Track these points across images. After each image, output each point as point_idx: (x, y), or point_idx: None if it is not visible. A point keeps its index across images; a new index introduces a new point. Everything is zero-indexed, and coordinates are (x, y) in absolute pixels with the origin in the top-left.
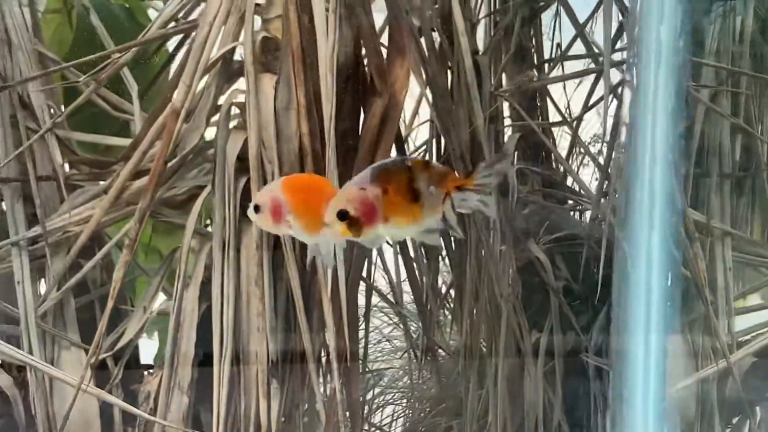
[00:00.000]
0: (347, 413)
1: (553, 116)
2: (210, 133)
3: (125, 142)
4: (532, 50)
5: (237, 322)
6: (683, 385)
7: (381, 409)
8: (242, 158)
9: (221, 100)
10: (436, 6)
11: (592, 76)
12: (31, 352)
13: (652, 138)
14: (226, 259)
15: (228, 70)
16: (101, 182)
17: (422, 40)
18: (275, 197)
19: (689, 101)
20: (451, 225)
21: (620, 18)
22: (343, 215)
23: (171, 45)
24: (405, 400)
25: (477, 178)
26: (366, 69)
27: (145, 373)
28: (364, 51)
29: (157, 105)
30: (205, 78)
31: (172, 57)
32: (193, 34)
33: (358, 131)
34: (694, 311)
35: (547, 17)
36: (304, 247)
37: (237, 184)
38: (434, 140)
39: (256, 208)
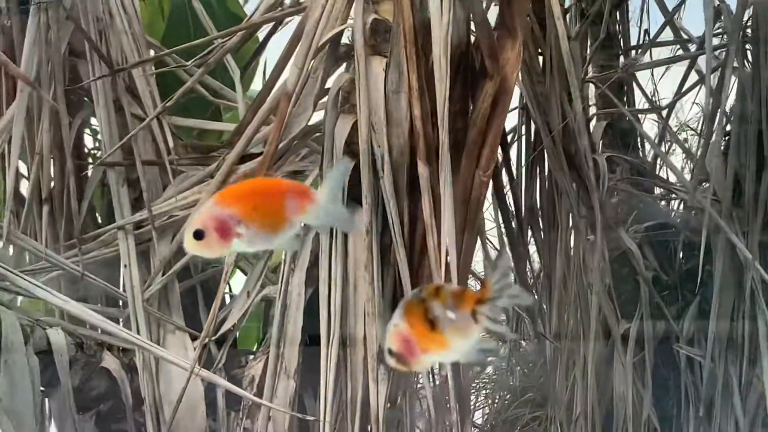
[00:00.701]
0: (456, 400)
1: (639, 104)
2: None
3: (226, 126)
4: (620, 37)
5: (344, 307)
6: None
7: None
8: (350, 142)
9: (329, 84)
10: None
11: (680, 63)
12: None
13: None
14: (334, 242)
15: (336, 53)
16: (202, 167)
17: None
18: (218, 215)
19: None
20: (499, 332)
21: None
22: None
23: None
24: (485, 391)
25: (493, 284)
26: (476, 51)
27: (251, 357)
28: (475, 32)
29: (262, 90)
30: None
31: (263, 44)
32: (298, 19)
33: (467, 115)
34: None
35: (633, 4)
36: (412, 232)
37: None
38: (523, 127)
39: (198, 234)
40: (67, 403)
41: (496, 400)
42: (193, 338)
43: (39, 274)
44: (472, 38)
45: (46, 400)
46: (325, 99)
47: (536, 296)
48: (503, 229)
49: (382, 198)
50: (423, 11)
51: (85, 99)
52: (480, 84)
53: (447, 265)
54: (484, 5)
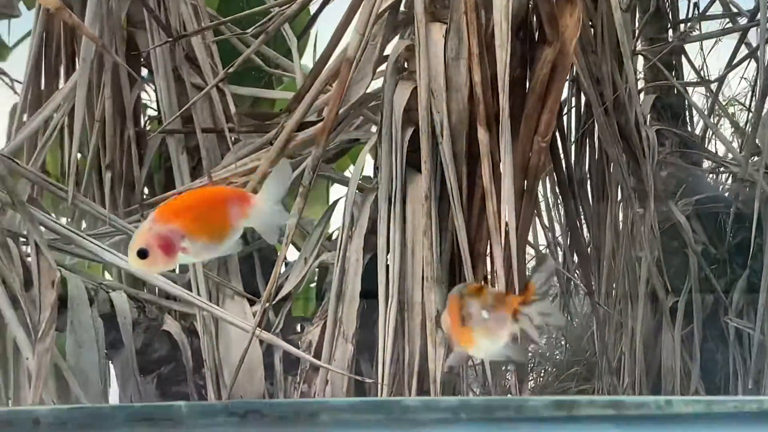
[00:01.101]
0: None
1: (688, 77)
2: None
3: (286, 95)
4: (668, 10)
5: (402, 272)
6: None
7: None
8: (408, 109)
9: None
10: None
11: (728, 36)
12: None
13: None
14: (392, 209)
15: (395, 20)
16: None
17: None
18: (161, 233)
19: None
20: (533, 338)
21: None
22: None
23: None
24: (532, 364)
25: (536, 288)
26: (534, 18)
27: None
28: None
29: (321, 57)
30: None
31: (316, 15)
32: None
33: (525, 81)
34: None
35: None
36: (470, 198)
37: (404, 135)
38: (573, 98)
39: (142, 253)
40: (130, 364)
41: (542, 374)
42: (251, 303)
43: (102, 238)
44: (531, 4)
45: (109, 362)
46: (383, 66)
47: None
48: (558, 198)
49: (440, 164)
50: None
51: (145, 70)
52: (539, 50)
53: (505, 230)
54: None
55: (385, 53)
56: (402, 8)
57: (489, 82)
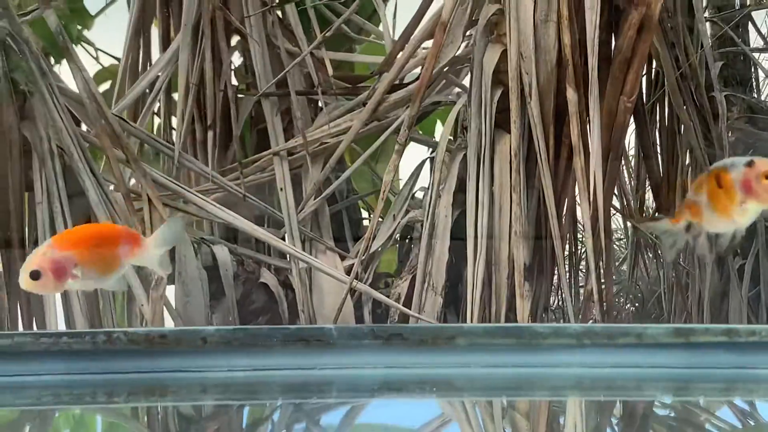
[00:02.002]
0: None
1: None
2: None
3: (375, 59)
4: None
5: (490, 228)
6: None
7: None
8: (497, 71)
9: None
10: None
11: None
12: None
13: None
14: (482, 167)
15: None
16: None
17: None
18: (56, 258)
19: None
20: None
21: None
22: None
23: None
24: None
25: None
26: None
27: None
28: None
29: (410, 23)
30: None
31: None
32: None
33: (610, 43)
34: None
35: None
36: (557, 157)
37: (493, 96)
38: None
39: (35, 274)
40: (232, 313)
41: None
42: (342, 258)
43: (206, 194)
44: None
45: (211, 312)
46: (473, 30)
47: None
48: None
49: (528, 124)
50: None
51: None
52: (625, 12)
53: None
54: None
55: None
56: None
57: (578, 44)
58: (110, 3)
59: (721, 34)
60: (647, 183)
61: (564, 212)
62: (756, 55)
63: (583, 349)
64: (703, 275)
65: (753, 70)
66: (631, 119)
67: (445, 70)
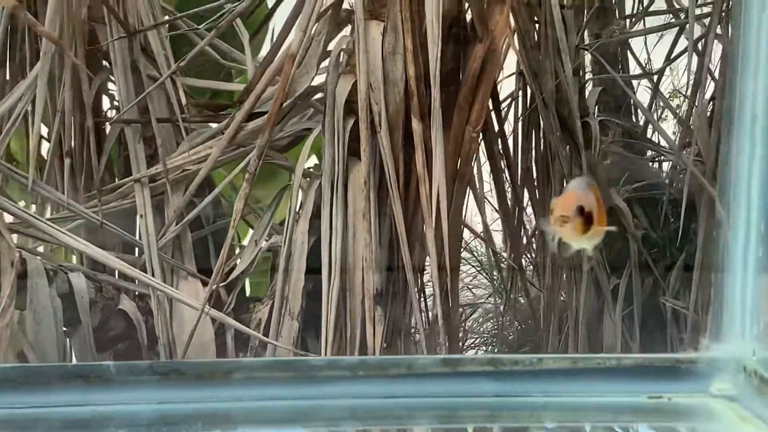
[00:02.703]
0: (446, 338)
1: (634, 70)
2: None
3: (236, 87)
4: (615, 6)
5: (344, 254)
6: None
7: (464, 351)
8: (349, 101)
9: (330, 47)
10: None
11: (674, 31)
12: None
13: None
14: (335, 194)
15: (337, 18)
16: (212, 125)
17: None
18: None
19: None
20: None
21: None
22: (582, 211)
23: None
24: (485, 346)
25: None
26: (467, 15)
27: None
28: None
29: (269, 52)
30: (316, 25)
31: (271, 13)
32: None
33: (459, 75)
34: None
35: None
36: (407, 184)
37: (345, 125)
38: (519, 91)
39: None
40: (88, 341)
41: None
42: (204, 284)
43: (61, 223)
44: (465, 4)
45: (68, 339)
46: (327, 61)
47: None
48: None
49: (379, 152)
50: None
51: (104, 63)
52: (471, 46)
53: (438, 213)
54: None
55: (330, 48)
56: (346, 5)
57: (423, 76)
58: None
59: (593, 59)
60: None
61: (416, 238)
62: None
63: (358, 379)
64: (579, 296)
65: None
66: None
67: (301, 99)
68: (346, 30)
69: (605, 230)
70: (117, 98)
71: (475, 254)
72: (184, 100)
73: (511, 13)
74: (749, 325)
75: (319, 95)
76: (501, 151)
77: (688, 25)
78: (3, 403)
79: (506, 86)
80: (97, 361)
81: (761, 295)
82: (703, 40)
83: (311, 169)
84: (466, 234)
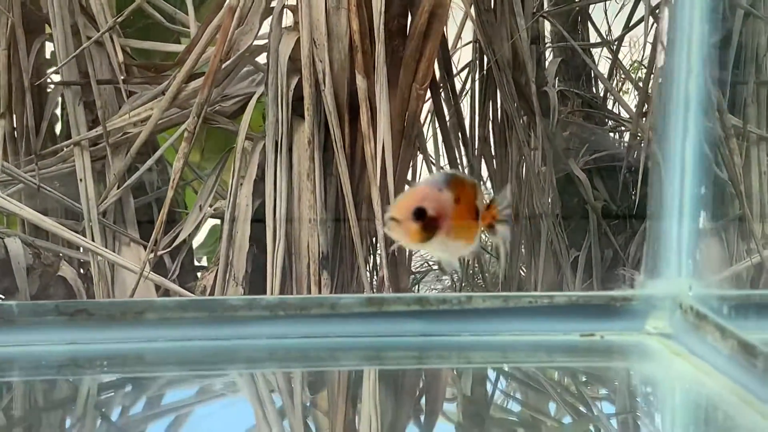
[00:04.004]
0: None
1: (594, 39)
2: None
3: (179, 48)
4: None
5: (289, 217)
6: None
7: None
8: (293, 58)
9: (273, 3)
10: None
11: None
12: None
13: (688, 47)
14: (278, 155)
15: None
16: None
17: None
18: None
19: (726, 10)
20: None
21: None
22: (420, 213)
23: None
24: None
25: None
26: None
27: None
28: None
29: (211, 10)
30: None
31: None
32: None
33: (406, 31)
34: (729, 214)
35: None
36: (353, 144)
37: (289, 83)
38: (476, 60)
39: None
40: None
41: None
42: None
43: (1, 188)
44: None
45: None
46: (269, 18)
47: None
48: (443, 148)
49: (324, 111)
50: None
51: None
52: (417, 1)
53: (384, 172)
54: None
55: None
56: None
57: (368, 32)
58: None
59: (553, 28)
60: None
61: (363, 198)
62: (596, 51)
63: (278, 319)
64: (538, 268)
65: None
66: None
67: (243, 58)
68: None
69: (469, 241)
70: (56, 58)
71: None
72: (121, 59)
73: None
74: (685, 261)
75: (263, 55)
76: (454, 116)
77: None
78: None
79: (464, 55)
80: None
81: (697, 232)
82: (659, 8)
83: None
84: None
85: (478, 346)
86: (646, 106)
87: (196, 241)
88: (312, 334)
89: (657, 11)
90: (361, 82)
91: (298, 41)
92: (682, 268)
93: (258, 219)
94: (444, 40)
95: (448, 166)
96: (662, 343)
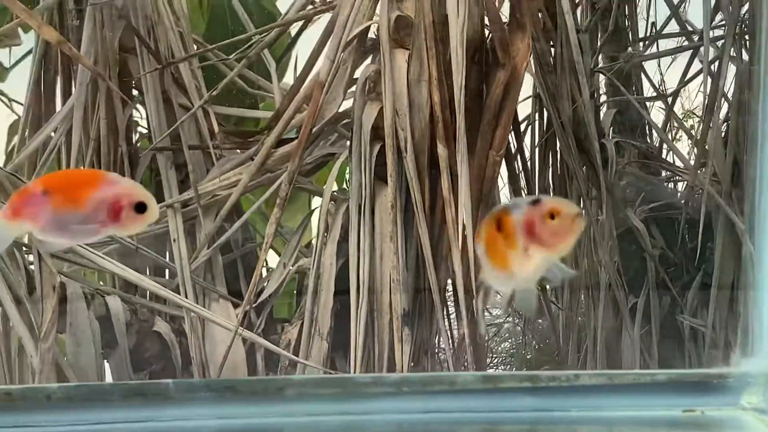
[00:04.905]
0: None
1: (648, 93)
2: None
3: (262, 114)
4: (628, 29)
5: (372, 276)
6: None
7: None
8: (376, 127)
9: (357, 74)
10: None
11: (687, 54)
12: None
13: None
14: (362, 218)
15: (363, 46)
16: (241, 151)
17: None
18: None
19: None
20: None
21: None
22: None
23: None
24: (503, 365)
25: None
26: (490, 43)
27: (286, 324)
28: (488, 26)
29: (297, 80)
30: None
31: (295, 39)
32: (330, 14)
33: (482, 101)
34: None
35: None
36: (432, 207)
37: (372, 150)
38: (536, 114)
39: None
40: (124, 362)
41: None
42: (235, 306)
43: (98, 247)
44: (487, 31)
45: (105, 360)
46: (354, 88)
47: None
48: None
49: (406, 176)
50: (442, 8)
51: (135, 91)
52: (493, 73)
53: (464, 236)
54: (497, 2)
55: (356, 76)
56: (372, 34)
57: (447, 103)
58: (25, 56)
59: (608, 81)
60: None
61: (441, 259)
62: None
63: (402, 395)
64: (596, 314)
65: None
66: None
67: (328, 125)
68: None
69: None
70: (148, 126)
71: None
72: (216, 127)
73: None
74: None
75: (345, 121)
76: (521, 171)
77: (702, 48)
78: (67, 421)
79: (523, 108)
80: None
81: None
82: (717, 61)
83: (336, 193)
84: None
85: (585, 421)
86: (703, 158)
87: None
88: (433, 409)
89: (713, 64)
90: (441, 150)
91: (380, 111)
92: None
93: (342, 276)
94: None
95: None
96: (757, 417)
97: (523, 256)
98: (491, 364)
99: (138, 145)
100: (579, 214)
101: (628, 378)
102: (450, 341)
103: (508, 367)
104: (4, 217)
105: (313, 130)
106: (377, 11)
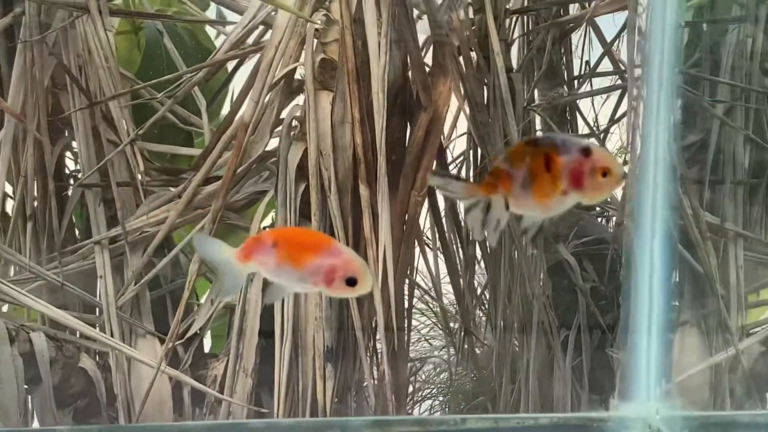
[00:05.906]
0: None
1: (582, 130)
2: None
3: (195, 152)
4: (563, 67)
5: (296, 313)
6: (695, 371)
7: (419, 403)
8: (301, 166)
9: (283, 115)
10: (474, 28)
11: (619, 91)
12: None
13: (656, 147)
14: None
15: (289, 87)
16: (172, 188)
17: (461, 59)
18: None
19: (705, 116)
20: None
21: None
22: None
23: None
24: (441, 396)
25: None
26: (412, 86)
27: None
28: (410, 70)
29: (225, 120)
30: (269, 95)
31: (230, 77)
32: (258, 56)
33: (405, 142)
34: (707, 306)
35: (576, 37)
36: (356, 246)
37: (297, 189)
38: (471, 151)
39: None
40: (48, 399)
41: (447, 405)
42: (162, 342)
43: (23, 284)
44: (410, 75)
45: (29, 396)
46: (280, 128)
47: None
48: (439, 247)
49: (330, 215)
50: (365, 52)
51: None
52: (415, 115)
53: (386, 274)
54: (420, 46)
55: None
56: (298, 75)
57: (370, 144)
58: None
59: (542, 119)
60: None
61: (364, 297)
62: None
63: None
64: (529, 347)
65: None
66: None
67: (255, 164)
68: (298, 99)
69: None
70: (78, 162)
71: (431, 306)
72: (141, 166)
73: (460, 79)
74: (653, 385)
75: (272, 160)
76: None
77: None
78: None
79: (459, 145)
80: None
81: (664, 358)
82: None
83: (266, 228)
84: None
85: None
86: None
87: None
88: None
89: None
90: (363, 190)
91: (305, 151)
92: (650, 391)
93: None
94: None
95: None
96: None
97: (561, 196)
98: (429, 396)
99: (71, 180)
100: (625, 175)
101: (512, 422)
102: (372, 378)
103: (446, 397)
104: (238, 258)
105: (240, 169)
106: (303, 54)
